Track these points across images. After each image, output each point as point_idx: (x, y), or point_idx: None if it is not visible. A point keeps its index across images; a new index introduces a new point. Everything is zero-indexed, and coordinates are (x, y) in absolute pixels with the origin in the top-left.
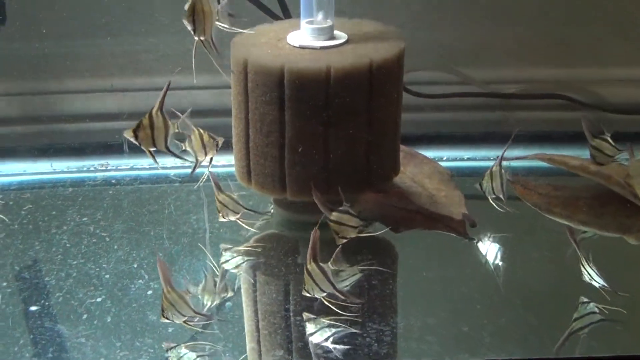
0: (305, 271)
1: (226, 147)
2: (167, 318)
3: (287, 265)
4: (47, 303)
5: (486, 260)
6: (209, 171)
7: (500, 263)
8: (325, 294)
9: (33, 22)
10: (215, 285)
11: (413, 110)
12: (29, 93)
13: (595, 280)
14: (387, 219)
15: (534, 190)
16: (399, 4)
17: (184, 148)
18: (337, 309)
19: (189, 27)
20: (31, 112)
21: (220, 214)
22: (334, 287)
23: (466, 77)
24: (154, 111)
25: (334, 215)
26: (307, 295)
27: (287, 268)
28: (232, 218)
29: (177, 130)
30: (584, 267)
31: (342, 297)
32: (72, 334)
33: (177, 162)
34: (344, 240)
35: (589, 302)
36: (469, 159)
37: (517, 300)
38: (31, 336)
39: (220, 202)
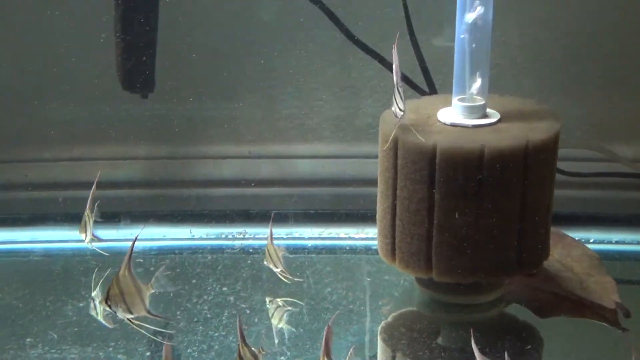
0: None
1: (363, 220)
2: None
3: (426, 345)
4: None
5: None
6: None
7: None
8: None
9: (177, 87)
10: None
11: (559, 188)
12: (171, 157)
13: None
14: (532, 303)
15: None
16: (545, 77)
17: None
18: None
19: None
20: (172, 176)
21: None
22: None
23: (613, 155)
24: (120, 274)
25: None
26: None
27: (426, 348)
28: (274, 269)
29: (153, 291)
30: None
31: None
32: None
33: (315, 233)
34: None
35: None
36: (617, 242)
37: None
38: None
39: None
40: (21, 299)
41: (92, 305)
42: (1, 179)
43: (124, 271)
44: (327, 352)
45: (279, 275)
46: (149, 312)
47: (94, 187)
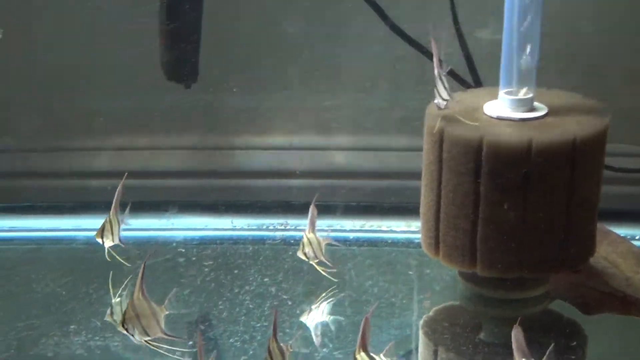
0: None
1: (405, 213)
2: None
3: (469, 340)
4: None
5: None
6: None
7: None
8: None
9: (221, 77)
10: None
11: (604, 184)
12: (213, 147)
13: None
14: (577, 300)
15: None
16: (593, 73)
17: None
18: None
19: None
20: (214, 167)
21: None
22: None
23: None
24: (135, 297)
25: None
26: None
27: (470, 343)
28: (312, 262)
29: (167, 312)
30: None
31: None
32: None
33: (356, 225)
34: None
35: None
36: None
37: None
38: None
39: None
40: (64, 287)
41: (108, 311)
42: (46, 168)
43: (137, 294)
44: (364, 345)
45: (316, 267)
46: (165, 334)
47: (119, 190)
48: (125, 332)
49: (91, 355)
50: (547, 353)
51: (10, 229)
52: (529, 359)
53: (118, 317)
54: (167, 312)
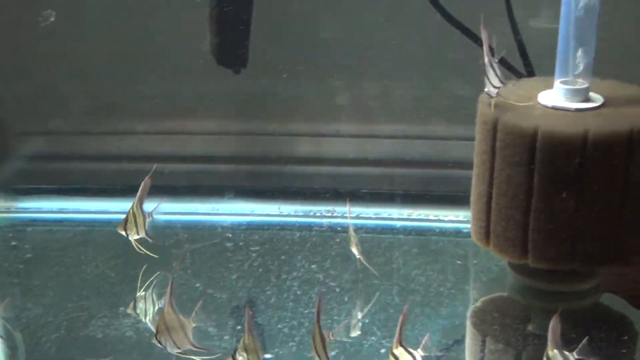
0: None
1: (453, 202)
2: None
3: (519, 331)
4: (280, 352)
5: None
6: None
7: None
8: None
9: (270, 63)
10: None
11: None
12: (259, 133)
13: None
14: (629, 294)
15: None
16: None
17: None
18: None
19: None
20: (260, 153)
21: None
22: None
23: None
24: (165, 311)
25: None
26: None
27: (519, 334)
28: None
29: (194, 325)
30: None
31: None
32: None
33: (404, 214)
34: None
35: None
36: None
37: None
38: None
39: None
40: (114, 269)
41: (131, 305)
42: (94, 151)
43: (167, 308)
44: (401, 340)
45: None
46: (193, 346)
47: (145, 182)
48: (159, 344)
49: (140, 337)
50: (580, 346)
51: (61, 211)
52: (561, 351)
53: (141, 312)
54: (194, 325)
